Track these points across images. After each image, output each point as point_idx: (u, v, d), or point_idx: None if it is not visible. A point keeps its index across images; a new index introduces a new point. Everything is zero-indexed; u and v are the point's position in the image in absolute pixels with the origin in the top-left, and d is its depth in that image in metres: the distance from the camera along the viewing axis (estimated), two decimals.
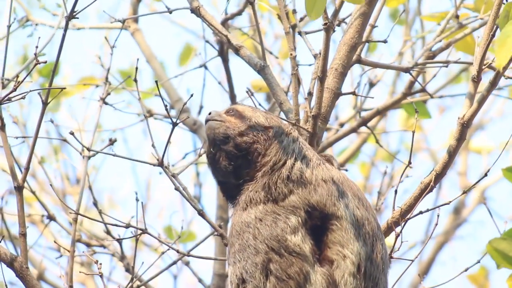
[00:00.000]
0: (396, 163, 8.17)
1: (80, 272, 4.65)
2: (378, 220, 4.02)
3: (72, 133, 4.62)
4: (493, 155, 8.95)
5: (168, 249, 4.68)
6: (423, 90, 5.43)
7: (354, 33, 4.46)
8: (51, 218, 5.83)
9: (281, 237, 3.86)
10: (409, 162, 4.28)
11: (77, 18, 4.21)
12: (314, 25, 7.41)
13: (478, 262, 4.51)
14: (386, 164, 7.56)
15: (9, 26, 4.66)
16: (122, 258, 5.87)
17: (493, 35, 4.02)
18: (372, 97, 4.57)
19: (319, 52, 4.21)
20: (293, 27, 4.69)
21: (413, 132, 4.24)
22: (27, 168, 4.26)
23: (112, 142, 4.94)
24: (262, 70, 4.46)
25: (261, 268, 3.85)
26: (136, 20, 6.34)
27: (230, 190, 4.09)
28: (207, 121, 4.17)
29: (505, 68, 3.98)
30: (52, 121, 5.01)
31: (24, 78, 4.19)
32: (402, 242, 4.14)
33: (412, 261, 4.28)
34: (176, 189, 4.43)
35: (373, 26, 4.75)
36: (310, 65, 5.18)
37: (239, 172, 4.04)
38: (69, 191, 7.82)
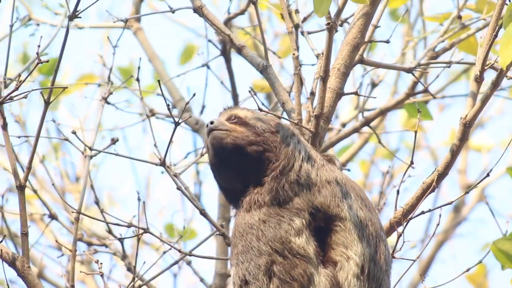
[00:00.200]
0: (396, 161, 8.17)
1: (80, 272, 4.64)
2: (380, 220, 4.02)
3: (74, 133, 4.62)
4: (492, 153, 8.96)
5: (170, 249, 4.68)
6: (425, 90, 5.43)
7: (357, 33, 4.46)
8: (52, 216, 5.83)
9: (285, 239, 3.84)
10: (411, 162, 4.28)
11: (80, 17, 4.20)
12: (317, 25, 7.41)
13: (480, 262, 4.51)
14: (386, 163, 7.57)
15: (11, 26, 4.65)
16: (124, 257, 5.87)
17: (496, 36, 4.02)
18: (375, 97, 4.56)
19: (322, 52, 4.20)
20: (296, 27, 4.69)
21: (415, 132, 4.24)
22: (29, 168, 4.26)
23: (114, 141, 4.94)
24: (264, 70, 4.46)
25: (264, 269, 3.83)
26: (138, 20, 6.34)
27: (234, 194, 4.04)
28: (211, 130, 4.04)
29: (508, 69, 3.99)
30: (54, 121, 5.01)
31: (26, 78, 4.18)
32: (404, 242, 4.15)
33: (414, 261, 4.29)
34: (178, 188, 4.43)
35: (376, 26, 4.75)
36: (312, 65, 5.17)
37: (246, 179, 3.98)
38: (68, 189, 7.82)
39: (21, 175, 4.27)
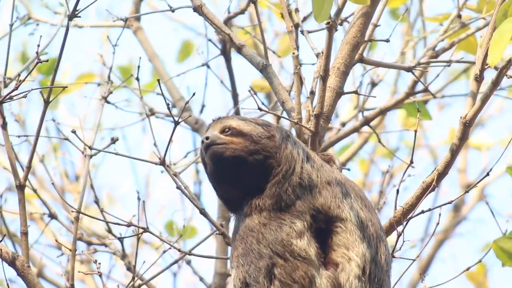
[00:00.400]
0: (395, 160, 8.17)
1: (79, 272, 4.64)
2: (380, 220, 4.01)
3: (74, 132, 4.62)
4: (492, 152, 8.96)
5: (170, 248, 4.68)
6: (425, 90, 5.43)
7: (356, 32, 4.46)
8: (52, 216, 5.83)
9: (286, 241, 3.81)
10: (411, 162, 4.27)
11: (79, 17, 4.20)
12: (317, 24, 7.39)
13: (480, 261, 4.51)
14: (386, 163, 7.57)
15: (11, 25, 4.65)
16: (124, 256, 5.87)
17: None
18: (375, 97, 4.55)
19: (322, 51, 4.20)
20: (296, 26, 4.69)
21: (415, 131, 4.24)
22: (29, 167, 4.25)
23: (114, 141, 4.94)
24: (264, 69, 4.45)
25: (264, 272, 3.80)
26: (138, 19, 6.33)
27: (235, 202, 3.98)
28: (208, 146, 3.95)
29: (507, 68, 3.98)
30: (54, 120, 5.00)
31: (25, 77, 4.18)
32: (404, 241, 4.14)
33: (414, 260, 4.28)
34: (178, 188, 4.43)
35: (375, 26, 4.75)
36: (312, 64, 5.18)
37: (248, 187, 3.92)
38: (68, 188, 7.82)
39: (21, 174, 4.26)
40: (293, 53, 4.33)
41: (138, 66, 4.64)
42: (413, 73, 4.79)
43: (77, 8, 4.17)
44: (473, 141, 8.88)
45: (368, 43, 4.72)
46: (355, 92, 4.58)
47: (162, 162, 4.37)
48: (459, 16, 5.19)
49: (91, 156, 5.01)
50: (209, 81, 6.32)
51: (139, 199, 4.77)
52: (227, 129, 3.98)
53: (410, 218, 4.11)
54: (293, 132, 4.37)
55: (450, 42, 5.20)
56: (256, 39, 6.41)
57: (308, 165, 3.94)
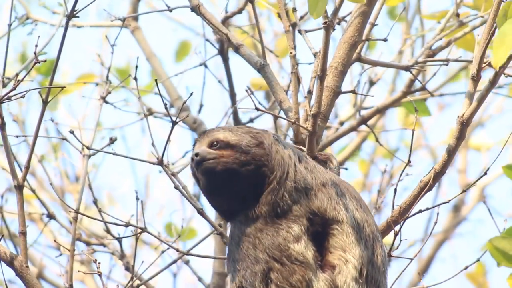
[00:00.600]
0: (395, 160, 8.17)
1: (79, 271, 4.64)
2: (375, 220, 3.99)
3: (72, 132, 4.62)
4: (492, 153, 8.95)
5: (168, 248, 4.68)
6: (423, 88, 5.43)
7: (354, 32, 4.45)
8: (51, 216, 5.83)
9: (283, 246, 3.79)
10: (409, 161, 4.27)
11: (78, 17, 4.20)
12: (314, 23, 7.40)
13: (478, 260, 4.51)
14: (386, 163, 7.56)
15: (9, 25, 4.66)
16: (122, 256, 5.87)
17: (493, 34, 4.01)
18: (372, 96, 4.56)
19: (319, 50, 4.20)
20: (293, 25, 4.68)
21: (413, 130, 4.23)
22: (27, 167, 4.25)
23: (112, 141, 4.94)
24: (262, 68, 4.45)
25: (261, 276, 3.78)
26: (136, 18, 6.34)
27: (231, 213, 3.95)
28: (199, 163, 3.90)
29: (504, 67, 3.98)
30: (52, 120, 5.01)
31: (24, 77, 4.18)
32: (401, 240, 4.14)
33: (412, 259, 4.28)
34: (176, 187, 4.42)
35: (373, 25, 4.74)
36: (310, 63, 5.18)
37: (244, 198, 3.89)
38: (68, 189, 7.83)
39: (20, 175, 4.26)
40: (291, 53, 4.33)
41: (136, 66, 4.64)
42: (410, 72, 4.79)
43: (76, 8, 4.17)
44: (473, 142, 8.88)
45: (366, 42, 4.72)
46: (353, 91, 4.57)
47: (160, 162, 4.37)
48: (457, 14, 5.19)
49: (89, 156, 5.01)
50: (207, 80, 6.33)
51: (137, 199, 4.77)
52: (215, 143, 3.94)
53: (407, 217, 4.10)
54: (291, 131, 4.37)
55: (448, 41, 5.20)
56: (254, 38, 6.42)
57: (302, 167, 3.92)
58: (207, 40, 6.16)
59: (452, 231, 8.78)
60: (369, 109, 5.88)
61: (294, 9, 4.67)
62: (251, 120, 6.15)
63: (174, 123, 4.27)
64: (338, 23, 4.85)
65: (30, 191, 5.65)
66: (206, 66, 6.24)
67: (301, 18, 5.26)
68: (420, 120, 8.35)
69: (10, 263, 4.21)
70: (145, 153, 8.10)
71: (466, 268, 4.45)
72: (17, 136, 4.86)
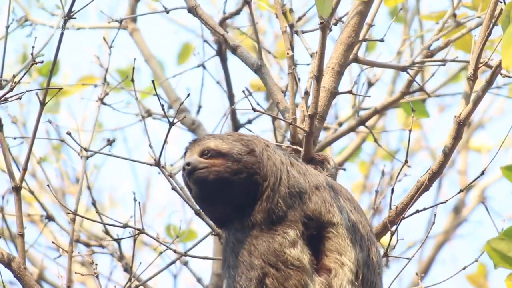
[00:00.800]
0: (395, 162, 8.16)
1: (75, 272, 4.64)
2: (369, 221, 3.98)
3: (69, 133, 4.62)
4: (493, 154, 8.93)
5: (166, 249, 4.68)
6: (421, 89, 5.42)
7: (351, 32, 4.45)
8: (50, 218, 5.84)
9: (279, 251, 3.77)
10: (406, 161, 4.27)
11: (75, 18, 4.20)
12: (312, 24, 7.41)
13: (476, 260, 4.50)
14: (385, 164, 7.55)
15: (7, 27, 4.66)
16: (121, 258, 5.88)
17: (489, 34, 4.01)
18: (369, 96, 4.56)
19: (316, 51, 4.19)
20: (291, 26, 4.68)
21: (410, 131, 4.23)
22: (25, 169, 4.25)
23: (110, 142, 4.94)
24: (259, 69, 4.45)
25: (255, 282, 3.76)
26: (134, 20, 6.34)
27: (223, 220, 3.94)
28: (190, 172, 3.89)
29: (501, 66, 3.97)
30: (50, 122, 5.01)
31: (21, 79, 4.18)
32: (398, 240, 4.13)
33: (409, 259, 4.27)
34: (173, 189, 4.42)
35: (370, 25, 4.74)
36: (308, 64, 5.17)
37: (238, 206, 3.87)
38: (69, 190, 7.83)
39: (18, 176, 4.27)
40: (287, 53, 4.33)
41: (133, 68, 4.65)
42: (407, 73, 4.79)
43: (73, 10, 4.17)
44: (473, 143, 8.87)
45: (365, 43, 4.72)
46: (350, 92, 4.57)
47: (158, 163, 4.37)
48: (454, 15, 5.19)
49: (87, 158, 5.02)
50: (205, 82, 6.33)
51: (135, 200, 4.77)
52: (206, 151, 3.92)
53: (404, 217, 4.10)
54: (288, 132, 4.37)
55: (446, 41, 5.20)
56: (252, 39, 6.42)
57: (294, 171, 3.90)
58: (205, 41, 6.17)
59: (452, 233, 8.77)
60: (367, 110, 5.87)
61: (291, 10, 4.67)
62: (249, 121, 6.15)
63: (171, 124, 4.27)
64: (335, 24, 4.84)
65: (30, 192, 5.66)
66: (204, 67, 6.24)
67: (299, 19, 5.25)
68: (420, 121, 8.35)
69: (8, 264, 4.21)
70: (145, 154, 8.09)
71: (464, 268, 4.44)
72: (14, 138, 4.87)
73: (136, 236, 4.51)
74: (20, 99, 4.20)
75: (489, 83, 4.02)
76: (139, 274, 4.91)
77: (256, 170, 3.88)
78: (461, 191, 4.23)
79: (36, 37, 4.27)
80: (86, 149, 4.87)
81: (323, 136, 5.91)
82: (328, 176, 4.15)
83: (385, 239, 4.22)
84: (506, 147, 8.67)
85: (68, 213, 4.66)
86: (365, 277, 3.82)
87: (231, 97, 6.12)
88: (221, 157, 3.89)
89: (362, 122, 5.75)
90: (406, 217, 4.11)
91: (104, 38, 5.46)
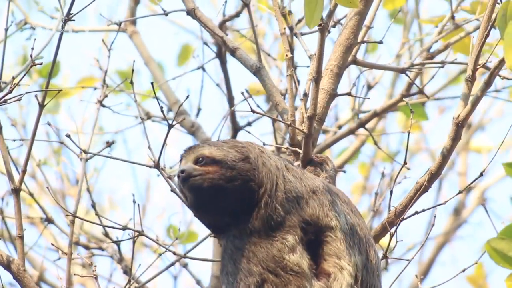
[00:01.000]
0: (395, 164, 8.16)
1: (74, 274, 4.64)
2: (366, 224, 3.98)
3: (68, 136, 4.62)
4: (492, 155, 8.93)
5: (165, 251, 4.68)
6: (420, 91, 5.42)
7: (350, 34, 4.45)
8: (49, 220, 5.85)
9: (278, 257, 3.76)
10: (405, 163, 4.27)
11: (73, 20, 4.20)
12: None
13: (476, 263, 4.49)
14: (384, 166, 7.55)
15: (6, 29, 4.68)
16: (120, 260, 5.88)
17: (487, 35, 4.01)
18: (369, 98, 4.56)
19: (314, 53, 4.20)
20: (290, 28, 4.68)
21: (408, 133, 4.23)
22: (24, 171, 4.26)
23: (109, 144, 4.95)
24: (258, 71, 4.45)
25: None
26: (134, 22, 6.35)
27: (220, 227, 3.92)
28: (185, 180, 3.88)
29: (499, 68, 3.98)
30: (49, 124, 5.02)
31: (20, 80, 4.19)
32: (397, 242, 4.13)
33: (409, 261, 4.27)
34: (172, 191, 4.42)
35: (369, 27, 4.75)
36: (307, 66, 5.18)
37: (234, 212, 3.86)
38: (69, 192, 7.84)
39: (17, 178, 4.27)
40: (286, 55, 4.33)
41: (133, 70, 4.65)
42: (406, 75, 4.79)
43: (71, 12, 4.18)
44: (473, 144, 8.88)
45: (364, 45, 4.73)
46: (349, 93, 4.58)
47: (157, 165, 4.37)
48: (452, 17, 5.20)
49: (86, 160, 5.02)
50: (205, 84, 6.34)
51: (134, 202, 4.77)
52: (200, 159, 3.92)
53: (403, 218, 4.10)
54: (287, 134, 4.38)
55: (445, 44, 5.20)
56: (251, 41, 6.42)
57: (290, 175, 3.89)
58: (205, 43, 6.17)
59: (452, 234, 8.77)
60: (367, 112, 5.88)
61: (290, 12, 4.67)
62: (249, 124, 6.16)
63: (170, 127, 4.28)
64: (334, 26, 4.85)
65: (29, 195, 5.66)
66: (204, 70, 6.25)
67: (299, 21, 5.26)
68: (420, 123, 8.36)
69: (7, 266, 4.21)
70: (145, 156, 8.10)
71: (464, 270, 4.44)
72: (14, 140, 4.87)
73: (136, 238, 4.52)
74: (20, 100, 4.20)
75: (488, 84, 4.02)
76: (138, 276, 4.91)
77: (251, 177, 3.87)
78: (460, 192, 4.23)
79: (35, 39, 4.28)
80: (85, 151, 4.87)
81: (322, 139, 5.92)
82: (327, 178, 4.15)
83: (384, 240, 4.23)
84: (506, 148, 8.68)
85: (68, 215, 4.66)
86: (365, 280, 3.81)
87: (230, 99, 6.13)
88: (215, 164, 3.89)
89: (362, 124, 5.75)
90: (405, 219, 4.11)
91: (103, 41, 5.47)
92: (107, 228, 5.55)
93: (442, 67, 4.85)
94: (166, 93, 6.28)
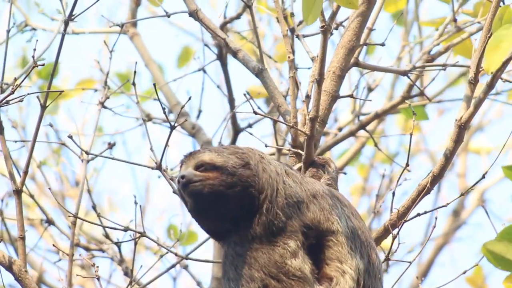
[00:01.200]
0: (395, 165, 8.17)
1: (77, 275, 4.65)
2: (367, 226, 3.98)
3: (70, 137, 4.63)
4: (492, 157, 8.96)
5: (167, 253, 4.69)
6: (421, 93, 5.43)
7: (352, 36, 4.46)
8: (49, 222, 5.84)
9: (280, 263, 3.75)
10: (407, 165, 4.27)
11: (75, 21, 4.21)
12: (313, 28, 7.42)
13: (476, 265, 4.50)
14: (385, 167, 7.56)
15: (8, 31, 4.67)
16: (121, 261, 5.88)
17: (490, 37, 4.02)
18: (370, 100, 4.56)
19: (317, 55, 4.20)
20: (292, 30, 4.68)
21: (411, 135, 4.24)
22: (26, 172, 4.26)
23: (111, 145, 4.95)
24: (260, 73, 4.46)
25: None
26: (134, 24, 6.35)
27: (221, 233, 3.91)
28: (185, 185, 3.85)
29: (501, 70, 3.98)
30: (51, 125, 5.02)
31: (22, 81, 4.19)
32: (399, 244, 4.14)
33: (410, 263, 4.28)
34: (174, 192, 4.43)
35: (371, 29, 4.75)
36: (309, 68, 5.19)
37: (234, 218, 3.84)
38: (69, 193, 7.83)
39: (19, 179, 4.27)
40: (288, 57, 4.34)
41: (135, 72, 4.66)
42: (408, 77, 4.79)
43: (73, 13, 4.18)
44: (472, 146, 8.89)
45: (365, 47, 4.73)
46: (351, 95, 4.58)
47: (159, 167, 4.38)
48: (454, 20, 5.20)
49: (88, 161, 5.02)
50: (206, 86, 6.33)
51: (136, 203, 4.78)
52: (200, 165, 3.90)
53: (405, 221, 4.10)
54: (290, 136, 4.38)
55: (446, 46, 5.21)
56: (253, 44, 6.43)
57: (290, 180, 3.88)
58: (205, 45, 6.17)
59: (451, 235, 8.78)
60: (367, 114, 5.88)
61: (292, 14, 4.68)
62: (250, 125, 6.16)
63: (172, 128, 4.29)
64: (336, 28, 4.85)
65: (30, 196, 5.66)
66: (205, 72, 6.25)
67: (300, 23, 5.26)
68: (419, 124, 8.37)
69: (9, 267, 4.21)
70: (146, 158, 8.11)
71: (464, 273, 4.44)
72: (15, 141, 4.87)
73: (137, 239, 4.52)
74: (22, 101, 4.20)
75: (490, 86, 4.02)
76: (139, 277, 4.91)
77: (251, 183, 3.86)
78: (462, 194, 4.24)
79: (37, 40, 4.28)
80: (87, 152, 4.87)
81: (323, 141, 5.92)
82: (329, 179, 4.15)
83: (386, 242, 4.23)
84: (506, 150, 8.70)
85: (69, 216, 4.66)
86: (366, 284, 3.81)
87: (231, 101, 6.13)
88: (216, 171, 3.87)
89: (362, 126, 5.76)
90: (408, 221, 4.11)
91: (105, 42, 5.47)
92: (107, 230, 5.55)
93: (444, 69, 4.86)
94: (167, 95, 6.28)
